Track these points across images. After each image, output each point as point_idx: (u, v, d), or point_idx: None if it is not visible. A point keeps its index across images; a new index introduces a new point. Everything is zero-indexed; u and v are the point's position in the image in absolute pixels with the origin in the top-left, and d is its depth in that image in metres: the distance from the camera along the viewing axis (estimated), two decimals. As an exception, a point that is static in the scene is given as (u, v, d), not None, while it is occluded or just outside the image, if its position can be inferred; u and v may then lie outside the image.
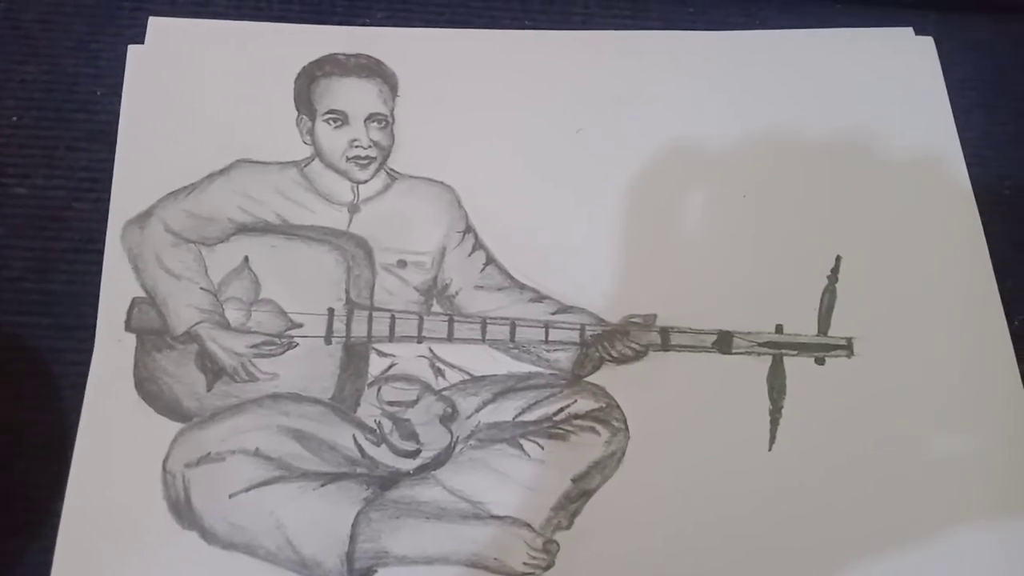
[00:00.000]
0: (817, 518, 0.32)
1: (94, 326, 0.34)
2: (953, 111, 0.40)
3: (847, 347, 0.35)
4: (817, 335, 0.35)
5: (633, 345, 0.35)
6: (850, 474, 0.33)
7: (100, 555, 0.30)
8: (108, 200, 0.36)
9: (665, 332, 0.35)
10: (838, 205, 0.38)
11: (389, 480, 0.32)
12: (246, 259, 0.35)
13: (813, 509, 0.33)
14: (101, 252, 0.35)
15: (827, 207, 0.38)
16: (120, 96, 0.38)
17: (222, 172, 0.36)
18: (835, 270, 0.36)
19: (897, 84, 0.40)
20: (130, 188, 0.36)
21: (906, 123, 0.40)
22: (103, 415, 0.32)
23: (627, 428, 0.33)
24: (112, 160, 0.37)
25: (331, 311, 0.34)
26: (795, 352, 0.35)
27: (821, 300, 0.36)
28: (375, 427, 0.33)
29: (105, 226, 0.35)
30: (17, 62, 0.38)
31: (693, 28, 0.41)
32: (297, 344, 0.34)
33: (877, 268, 0.36)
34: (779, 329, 0.35)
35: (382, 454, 0.33)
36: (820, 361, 0.35)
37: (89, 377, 0.33)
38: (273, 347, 0.34)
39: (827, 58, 0.41)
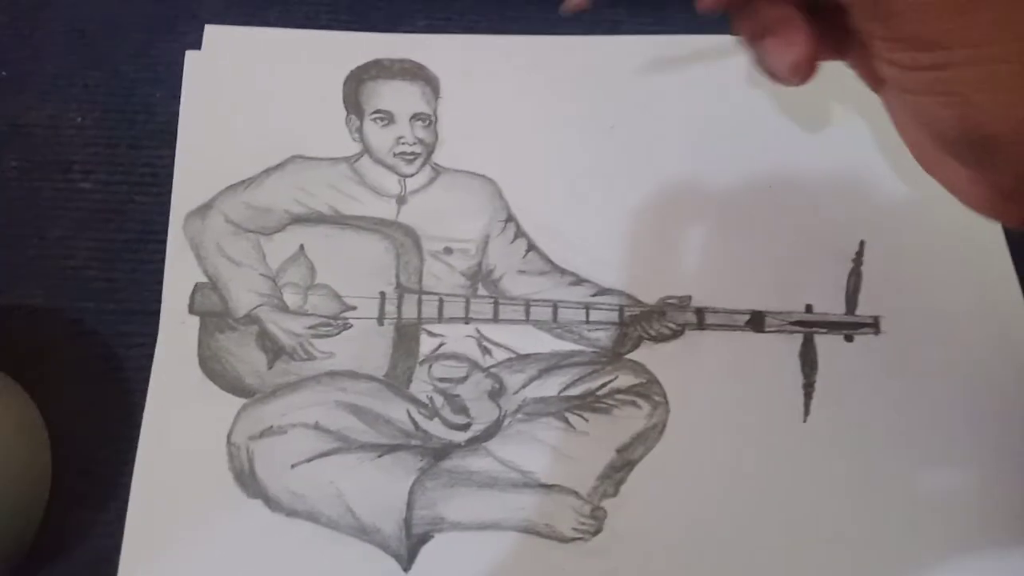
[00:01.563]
0: (850, 484, 0.34)
1: (156, 311, 0.36)
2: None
3: (874, 325, 0.37)
4: (845, 314, 0.37)
5: (670, 324, 0.36)
6: (880, 442, 0.35)
7: (170, 524, 0.32)
8: (168, 194, 0.38)
9: (700, 312, 0.37)
10: (860, 192, 0.40)
11: (442, 451, 0.34)
12: (301, 247, 0.37)
13: (847, 475, 0.34)
14: (161, 242, 0.37)
15: (850, 194, 0.40)
16: (177, 98, 0.40)
17: (278, 167, 0.38)
18: (859, 254, 0.38)
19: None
20: (190, 183, 0.38)
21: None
22: (169, 392, 0.34)
23: (667, 402, 0.35)
24: (171, 157, 0.39)
25: (383, 295, 0.36)
26: (825, 330, 0.37)
27: (848, 282, 0.38)
28: (427, 402, 0.34)
29: (165, 218, 0.37)
30: (81, 68, 0.41)
31: (715, 32, 0.44)
32: (351, 325, 0.36)
33: (899, 251, 0.38)
34: (809, 309, 0.37)
35: (435, 427, 0.34)
36: (849, 338, 0.37)
37: (155, 356, 0.35)
38: (329, 328, 0.35)
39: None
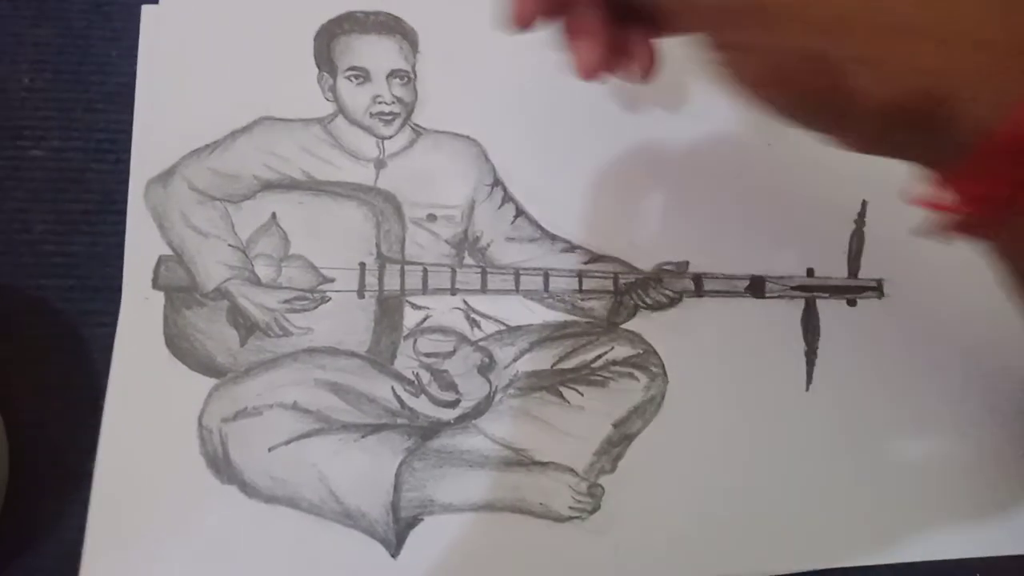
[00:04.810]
0: (854, 453, 0.33)
1: (119, 287, 0.33)
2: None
3: (878, 288, 0.35)
4: (848, 278, 0.36)
5: (667, 292, 0.35)
6: (886, 408, 0.33)
7: (137, 514, 0.30)
8: (127, 161, 0.35)
9: (698, 278, 0.35)
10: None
11: (430, 430, 0.32)
12: (273, 215, 0.34)
13: (850, 445, 0.33)
14: (122, 213, 0.34)
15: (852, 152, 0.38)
16: (135, 57, 0.37)
17: (245, 129, 0.36)
18: (861, 214, 0.36)
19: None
20: (150, 147, 0.35)
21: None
22: (133, 373, 0.32)
23: (665, 373, 0.33)
24: (130, 121, 0.36)
25: (362, 265, 0.34)
26: (827, 294, 0.35)
27: (850, 244, 0.36)
28: (413, 379, 0.33)
29: (126, 187, 0.35)
30: (29, 25, 0.38)
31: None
32: (330, 299, 0.33)
33: (903, 211, 0.37)
34: (810, 273, 0.36)
35: (422, 405, 0.32)
36: (852, 302, 0.35)
37: (117, 335, 0.32)
38: (305, 302, 0.33)
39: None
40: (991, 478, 0.33)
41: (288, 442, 0.31)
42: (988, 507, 0.33)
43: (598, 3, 0.27)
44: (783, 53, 0.25)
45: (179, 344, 0.32)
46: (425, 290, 0.34)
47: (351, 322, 0.33)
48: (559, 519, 0.31)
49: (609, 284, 0.35)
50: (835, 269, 0.36)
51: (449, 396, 0.32)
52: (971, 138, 0.24)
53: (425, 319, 0.34)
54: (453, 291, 0.34)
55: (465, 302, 0.34)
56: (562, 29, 0.28)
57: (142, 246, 0.34)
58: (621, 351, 0.34)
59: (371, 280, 0.34)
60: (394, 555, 0.30)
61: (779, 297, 0.35)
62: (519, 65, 0.38)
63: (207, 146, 0.35)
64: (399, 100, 0.37)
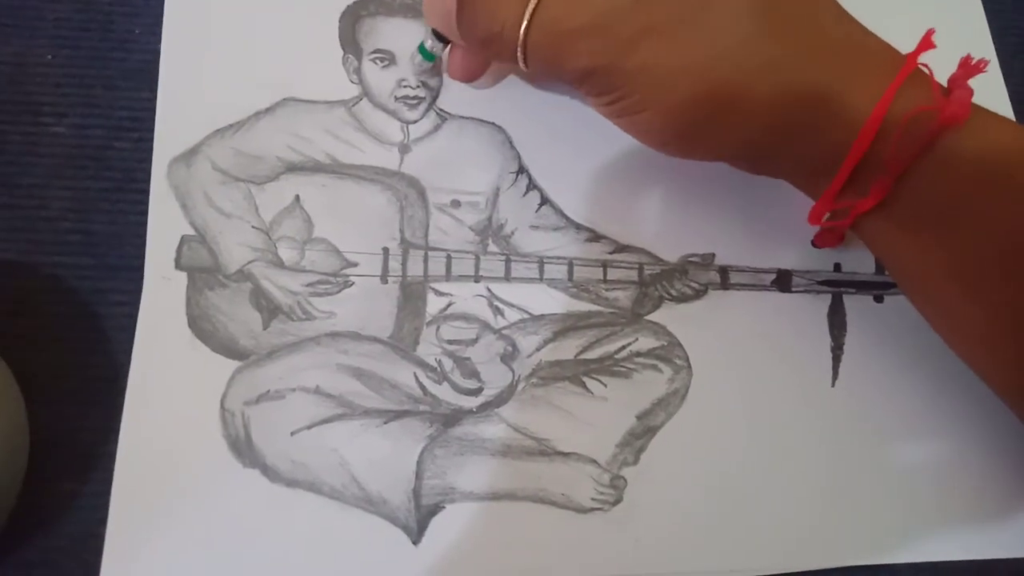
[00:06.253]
0: (880, 451, 0.33)
1: (139, 267, 0.33)
2: (999, 57, 0.40)
3: (905, 285, 0.35)
4: (875, 273, 0.35)
5: (692, 284, 0.34)
6: (912, 405, 0.33)
7: (159, 496, 0.30)
8: (149, 139, 0.35)
9: (724, 271, 0.35)
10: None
11: (452, 418, 0.32)
12: (297, 198, 0.34)
13: (877, 442, 0.33)
14: (143, 192, 0.34)
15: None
16: (158, 35, 0.37)
17: (269, 110, 0.35)
18: (889, 210, 0.36)
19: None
20: (174, 127, 0.35)
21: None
22: (155, 354, 0.31)
23: (689, 365, 0.33)
24: (152, 99, 0.35)
25: (386, 251, 0.34)
26: (854, 290, 0.35)
27: (878, 239, 0.36)
28: (436, 365, 0.32)
29: (147, 166, 0.34)
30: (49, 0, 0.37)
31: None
32: (353, 283, 0.33)
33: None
34: (837, 268, 0.35)
35: (444, 392, 0.32)
36: (879, 299, 0.35)
37: (139, 315, 0.32)
38: (329, 286, 0.33)
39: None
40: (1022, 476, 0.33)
41: (310, 426, 0.31)
42: (1019, 506, 0.32)
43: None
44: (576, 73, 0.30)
45: (202, 325, 0.32)
46: (448, 276, 0.34)
47: (374, 307, 0.33)
48: (581, 510, 0.31)
49: (634, 275, 0.34)
50: (862, 265, 0.35)
51: (472, 384, 0.32)
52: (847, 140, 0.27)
53: (448, 306, 0.33)
54: (477, 278, 0.34)
55: (489, 289, 0.34)
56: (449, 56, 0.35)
57: (165, 226, 0.33)
58: (645, 343, 0.33)
59: (394, 265, 0.34)
60: (415, 542, 0.30)
61: (805, 292, 0.35)
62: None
63: (231, 126, 0.35)
64: (424, 84, 0.36)
